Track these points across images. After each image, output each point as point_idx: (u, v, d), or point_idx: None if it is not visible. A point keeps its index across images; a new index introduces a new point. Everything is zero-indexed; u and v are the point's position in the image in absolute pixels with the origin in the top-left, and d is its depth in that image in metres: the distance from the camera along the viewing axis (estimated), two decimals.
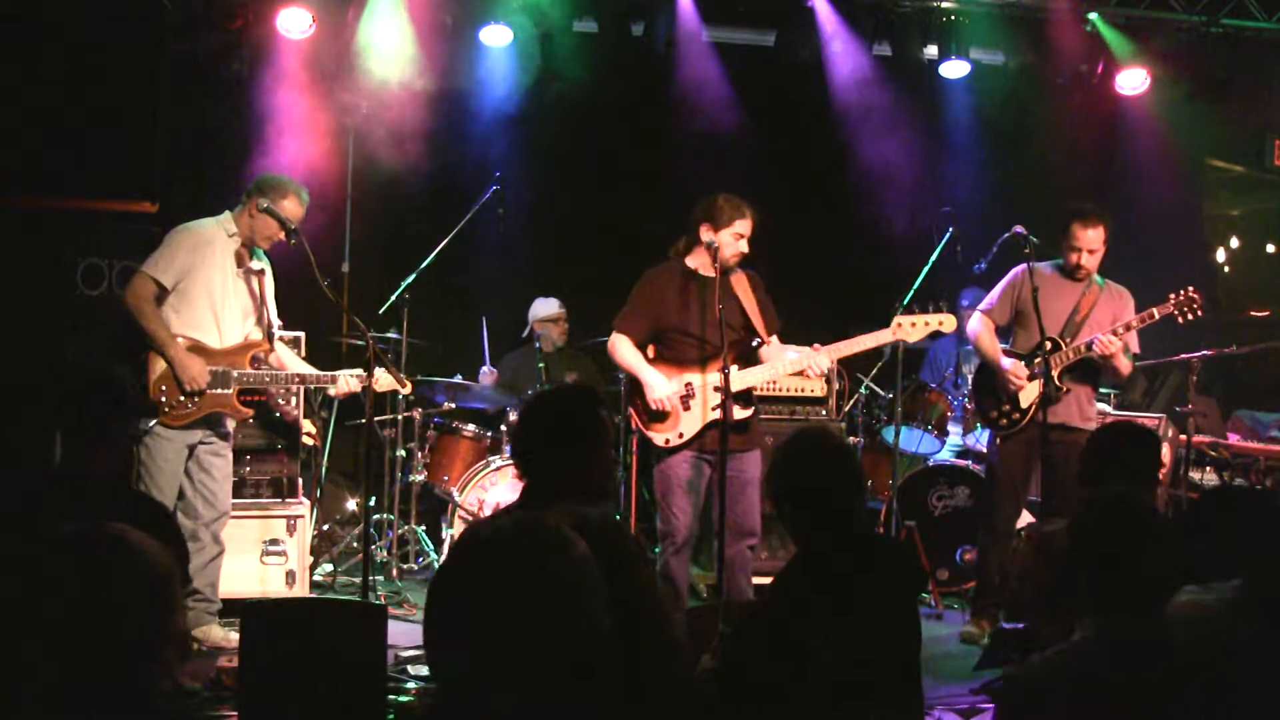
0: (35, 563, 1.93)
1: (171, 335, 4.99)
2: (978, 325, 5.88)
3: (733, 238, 5.06)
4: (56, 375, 5.73)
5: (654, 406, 5.04)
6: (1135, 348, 5.81)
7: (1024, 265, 5.81)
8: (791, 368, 5.13)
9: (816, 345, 5.15)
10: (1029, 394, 5.68)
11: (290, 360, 5.46)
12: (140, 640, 1.92)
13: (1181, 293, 5.61)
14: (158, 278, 5.02)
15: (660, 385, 5.05)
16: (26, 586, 1.92)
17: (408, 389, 5.51)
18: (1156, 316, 5.63)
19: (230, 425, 5.29)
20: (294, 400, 5.87)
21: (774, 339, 5.25)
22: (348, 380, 5.27)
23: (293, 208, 5.19)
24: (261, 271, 5.32)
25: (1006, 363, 5.75)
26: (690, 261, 5.17)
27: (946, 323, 5.29)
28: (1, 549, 2.23)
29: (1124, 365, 5.69)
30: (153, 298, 5.00)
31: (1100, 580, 2.49)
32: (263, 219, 5.16)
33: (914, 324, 5.18)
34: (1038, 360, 5.66)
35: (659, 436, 5.08)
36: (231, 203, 5.34)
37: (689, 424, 5.06)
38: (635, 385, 5.14)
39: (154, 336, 4.95)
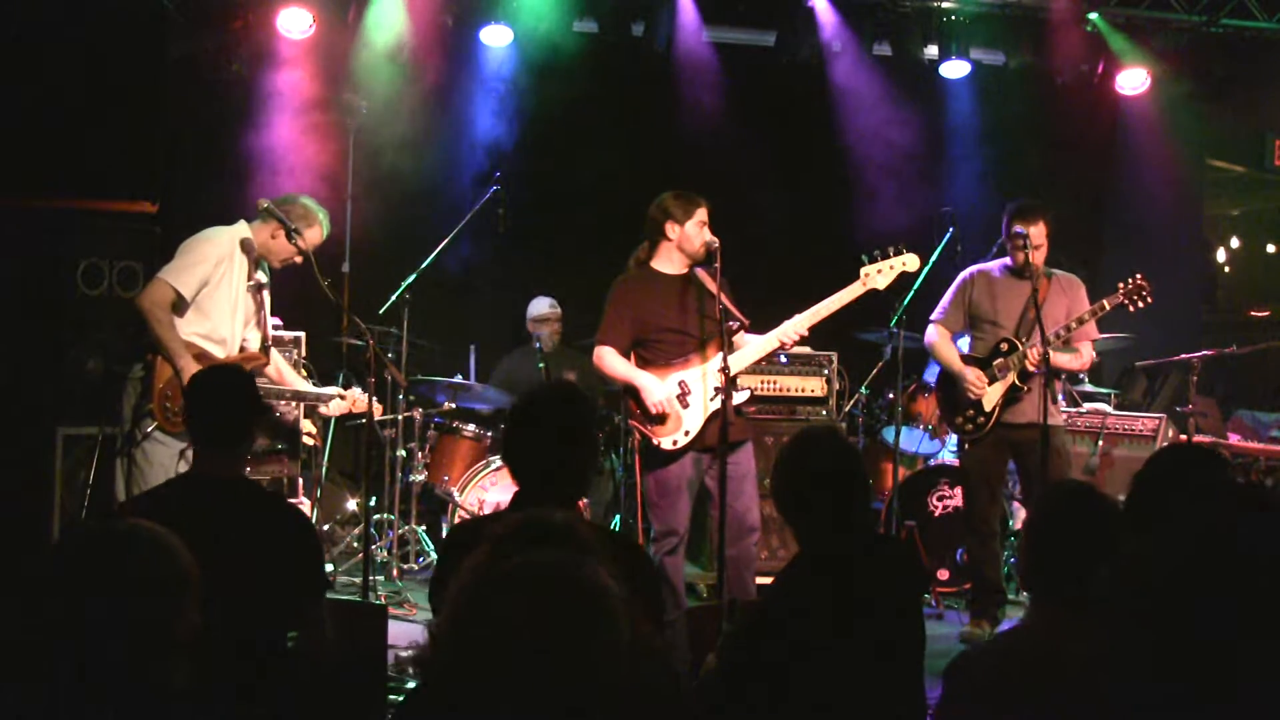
0: (54, 561, 1.92)
1: (184, 345, 4.91)
2: (933, 334, 5.89)
3: (698, 226, 5.07)
4: (62, 378, 5.71)
5: (654, 410, 4.98)
6: (1095, 334, 5.81)
7: (970, 269, 5.88)
8: (774, 341, 5.11)
9: (795, 317, 5.12)
10: (991, 398, 5.69)
11: (286, 373, 5.42)
12: (160, 635, 1.91)
13: (1131, 281, 5.59)
14: (179, 288, 4.93)
15: (657, 388, 5.00)
16: (46, 584, 1.92)
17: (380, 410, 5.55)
18: (1108, 307, 5.61)
19: None
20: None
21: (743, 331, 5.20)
22: (338, 403, 5.31)
23: (316, 237, 5.19)
24: (265, 285, 5.27)
25: (967, 371, 5.73)
26: (656, 264, 5.15)
27: (910, 262, 5.18)
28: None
29: (1066, 362, 5.70)
30: (169, 305, 4.92)
31: (1040, 568, 2.55)
32: (283, 241, 5.11)
33: (880, 270, 5.12)
34: (996, 363, 5.68)
35: (666, 440, 5.00)
36: (233, 204, 5.31)
37: (692, 420, 5.02)
38: (632, 393, 5.08)
39: (166, 345, 4.88)
